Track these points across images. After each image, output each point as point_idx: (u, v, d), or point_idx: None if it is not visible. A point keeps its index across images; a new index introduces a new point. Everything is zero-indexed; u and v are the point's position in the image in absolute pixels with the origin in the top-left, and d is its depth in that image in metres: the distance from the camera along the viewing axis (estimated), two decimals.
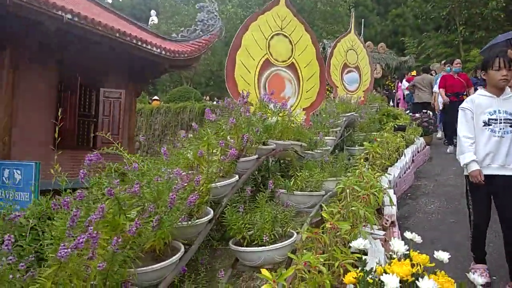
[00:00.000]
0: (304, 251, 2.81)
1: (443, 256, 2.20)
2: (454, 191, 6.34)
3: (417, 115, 10.61)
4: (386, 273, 1.87)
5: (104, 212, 2.09)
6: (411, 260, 2.07)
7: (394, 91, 20.56)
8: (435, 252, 2.37)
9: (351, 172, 5.15)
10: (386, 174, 5.60)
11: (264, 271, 2.07)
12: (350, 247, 3.21)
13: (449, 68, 9.20)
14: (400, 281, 1.80)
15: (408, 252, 2.53)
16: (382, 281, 1.78)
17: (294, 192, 3.72)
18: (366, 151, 5.93)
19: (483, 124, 3.52)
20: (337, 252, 3.08)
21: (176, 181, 2.46)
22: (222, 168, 2.98)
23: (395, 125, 7.88)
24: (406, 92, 14.99)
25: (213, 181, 2.82)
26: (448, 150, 8.80)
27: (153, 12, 43.12)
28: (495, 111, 3.47)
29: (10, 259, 1.77)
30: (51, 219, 2.23)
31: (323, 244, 3.16)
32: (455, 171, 7.39)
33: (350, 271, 2.12)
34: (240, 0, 30.49)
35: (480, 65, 4.01)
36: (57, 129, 2.98)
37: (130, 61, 12.36)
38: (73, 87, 11.28)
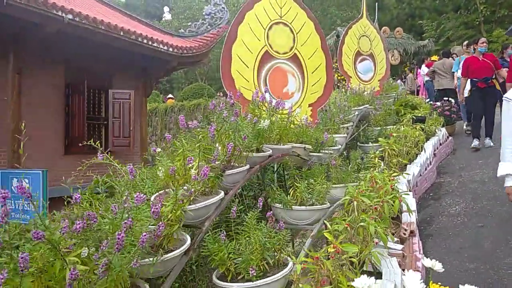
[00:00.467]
0: (301, 285, 2.31)
1: None
2: (481, 189, 5.73)
3: (438, 103, 9.92)
4: None
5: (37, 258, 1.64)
6: None
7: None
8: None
9: (363, 175, 4.61)
10: (404, 174, 5.03)
11: None
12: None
13: (474, 49, 7.88)
14: None
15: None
16: None
17: (293, 207, 3.20)
18: (381, 149, 5.35)
19: None
20: (343, 281, 2.57)
21: (134, 211, 2.01)
22: (201, 186, 2.50)
23: (414, 117, 7.24)
24: (426, 78, 14.17)
25: (189, 203, 2.34)
26: (472, 145, 7.61)
27: (166, 8, 42.99)
28: None
29: None
30: None
31: (327, 270, 2.66)
32: (481, 165, 6.74)
33: None
34: None
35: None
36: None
37: (137, 60, 12.08)
38: (80, 90, 11.05)
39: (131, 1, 51.71)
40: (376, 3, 16.78)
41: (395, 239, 3.64)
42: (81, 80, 10.95)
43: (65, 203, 2.40)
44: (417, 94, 16.63)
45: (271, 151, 3.38)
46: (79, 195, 2.01)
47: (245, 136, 2.79)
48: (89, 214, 2.00)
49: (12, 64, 9.08)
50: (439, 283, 2.04)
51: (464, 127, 9.56)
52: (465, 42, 10.04)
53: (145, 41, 11.31)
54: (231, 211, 2.52)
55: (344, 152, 6.00)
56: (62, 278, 1.78)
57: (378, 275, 2.83)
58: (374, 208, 3.31)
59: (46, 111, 10.04)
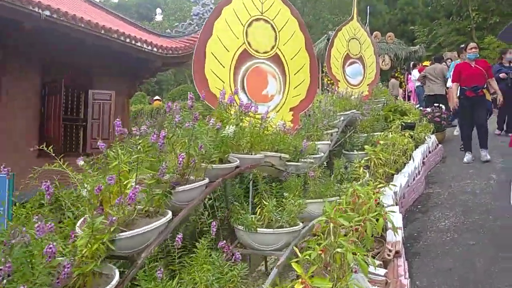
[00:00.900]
0: None
1: None
2: (472, 201, 5.39)
3: (428, 109, 9.60)
4: None
5: None
6: None
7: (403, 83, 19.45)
8: None
9: (346, 187, 4.24)
10: (390, 186, 4.66)
11: None
12: None
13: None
14: None
15: None
16: None
17: (258, 229, 2.80)
18: (367, 158, 4.99)
19: None
20: None
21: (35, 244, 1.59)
22: (145, 205, 2.10)
23: (403, 123, 6.89)
24: (417, 83, 13.89)
25: (120, 231, 1.92)
26: (465, 159, 7.05)
27: (158, 10, 42.65)
28: None
29: None
30: None
31: None
32: (472, 175, 6.42)
33: None
34: None
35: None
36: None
37: (120, 60, 11.67)
38: (57, 90, 10.59)
39: (123, 2, 51.27)
40: (368, 8, 16.53)
41: (378, 262, 3.27)
42: (58, 79, 10.52)
43: None
44: (408, 100, 16.40)
45: (238, 161, 2.97)
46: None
47: (202, 145, 2.38)
48: None
49: None
50: None
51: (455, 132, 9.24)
52: (461, 46, 9.48)
53: (127, 40, 10.94)
54: (176, 238, 2.10)
55: (327, 161, 5.64)
56: None
57: None
58: (355, 229, 2.93)
59: (20, 111, 9.58)
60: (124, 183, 2.05)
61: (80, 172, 2.33)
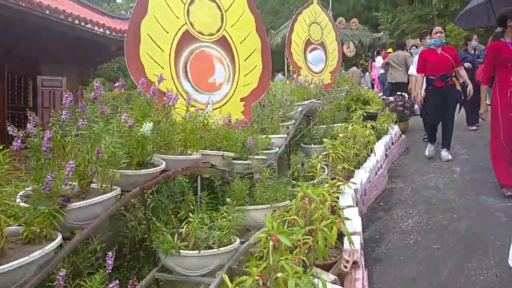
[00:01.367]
0: None
1: None
2: (436, 197, 5.07)
3: (391, 98, 9.31)
4: None
5: None
6: None
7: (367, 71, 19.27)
8: None
9: (300, 186, 3.77)
10: (349, 183, 4.23)
11: None
12: None
13: (430, 41, 6.51)
14: None
15: None
16: None
17: (181, 252, 2.28)
18: (325, 153, 4.54)
19: None
20: None
21: None
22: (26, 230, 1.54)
23: (364, 113, 6.50)
24: (381, 71, 13.63)
25: None
26: (427, 153, 6.63)
27: None
28: None
29: None
30: None
31: None
32: (435, 168, 6.13)
33: None
34: None
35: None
36: None
37: (71, 44, 10.84)
38: (0, 77, 9.69)
39: None
40: None
41: (332, 277, 2.82)
42: (0, 66, 9.64)
43: None
44: (372, 88, 16.21)
45: (164, 164, 2.43)
46: None
47: (99, 150, 1.83)
48: None
49: None
50: None
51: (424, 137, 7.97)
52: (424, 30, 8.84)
53: (76, 21, 10.13)
54: (58, 276, 1.56)
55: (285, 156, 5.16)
56: None
57: None
58: (303, 243, 2.46)
59: None
60: None
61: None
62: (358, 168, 5.16)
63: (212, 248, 2.24)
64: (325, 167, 4.72)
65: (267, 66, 4.68)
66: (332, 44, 9.44)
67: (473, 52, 8.36)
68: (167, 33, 4.02)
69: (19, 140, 1.69)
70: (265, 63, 4.64)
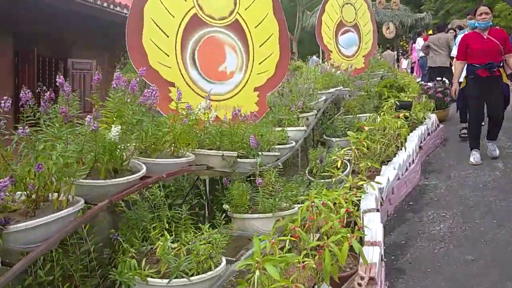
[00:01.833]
0: None
1: None
2: (474, 198, 4.55)
3: (430, 84, 8.63)
4: None
5: None
6: None
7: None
8: None
9: (315, 186, 3.43)
10: (372, 183, 3.79)
11: None
12: None
13: (473, 22, 5.68)
14: None
15: None
16: None
17: (148, 280, 1.88)
18: (346, 148, 4.11)
19: None
20: None
21: None
22: None
23: (397, 102, 5.95)
24: (421, 54, 12.77)
25: None
26: (472, 159, 5.50)
27: None
28: None
29: None
30: None
31: None
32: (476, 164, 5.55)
33: None
34: None
35: None
36: None
37: (101, 26, 10.84)
38: (30, 60, 9.85)
39: None
40: None
41: None
42: (32, 48, 9.75)
43: None
44: (412, 72, 15.38)
45: (144, 170, 2.13)
46: None
47: (40, 165, 1.53)
48: None
49: None
50: None
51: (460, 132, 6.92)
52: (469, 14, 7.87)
53: (105, 4, 10.08)
54: None
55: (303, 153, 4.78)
56: None
57: None
58: (303, 266, 2.11)
59: None
60: None
61: None
62: (386, 163, 4.71)
63: (192, 274, 1.89)
64: (348, 163, 4.32)
65: (285, 52, 4.27)
66: (366, 25, 8.84)
67: None
68: (173, 17, 3.69)
69: None
70: (283, 49, 4.23)
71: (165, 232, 1.98)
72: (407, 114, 5.79)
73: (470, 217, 4.12)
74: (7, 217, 1.51)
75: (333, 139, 4.83)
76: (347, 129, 4.92)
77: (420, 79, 11.37)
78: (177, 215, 2.23)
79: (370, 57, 8.90)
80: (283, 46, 4.23)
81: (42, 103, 1.84)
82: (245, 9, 4.02)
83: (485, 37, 5.26)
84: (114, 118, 2.07)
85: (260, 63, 4.10)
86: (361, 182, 3.79)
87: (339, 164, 3.98)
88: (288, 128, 4.14)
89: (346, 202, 3.00)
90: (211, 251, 1.97)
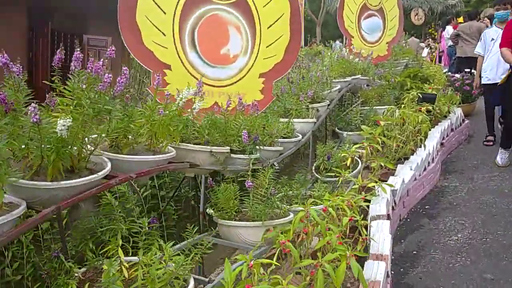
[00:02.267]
0: None
1: None
2: (497, 205, 4.13)
3: (457, 75, 8.07)
4: None
5: None
6: None
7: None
8: None
9: (317, 191, 3.09)
10: (384, 186, 3.41)
11: None
12: None
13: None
14: None
15: None
16: None
17: None
18: (358, 145, 3.73)
19: None
20: None
21: None
22: None
23: (420, 94, 5.48)
24: (450, 43, 12.05)
25: None
26: (499, 161, 5.06)
27: None
28: None
29: None
30: None
31: None
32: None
33: None
34: None
35: None
36: None
37: (117, 2, 10.59)
38: (44, 34, 9.66)
39: None
40: None
41: None
42: (45, 23, 9.55)
43: None
44: (439, 62, 14.65)
45: (107, 169, 1.82)
46: None
47: None
48: None
49: None
50: None
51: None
52: None
53: None
54: None
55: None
56: None
57: None
58: None
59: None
60: None
61: None
62: (403, 161, 4.32)
63: None
64: (359, 161, 3.94)
65: (297, 36, 3.86)
66: (392, 10, 8.26)
67: None
68: None
69: None
70: (294, 32, 3.82)
71: (119, 251, 1.67)
72: (430, 107, 5.34)
73: (492, 228, 3.72)
74: None
75: (344, 132, 4.44)
76: (362, 122, 4.51)
77: (446, 69, 10.74)
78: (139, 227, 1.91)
79: (394, 44, 8.36)
80: (294, 29, 3.82)
81: None
82: None
83: None
84: (71, 108, 1.76)
85: (267, 47, 3.72)
86: (371, 184, 3.42)
87: (348, 162, 3.61)
88: (295, 120, 3.78)
89: (350, 209, 2.65)
90: (171, 276, 1.66)
